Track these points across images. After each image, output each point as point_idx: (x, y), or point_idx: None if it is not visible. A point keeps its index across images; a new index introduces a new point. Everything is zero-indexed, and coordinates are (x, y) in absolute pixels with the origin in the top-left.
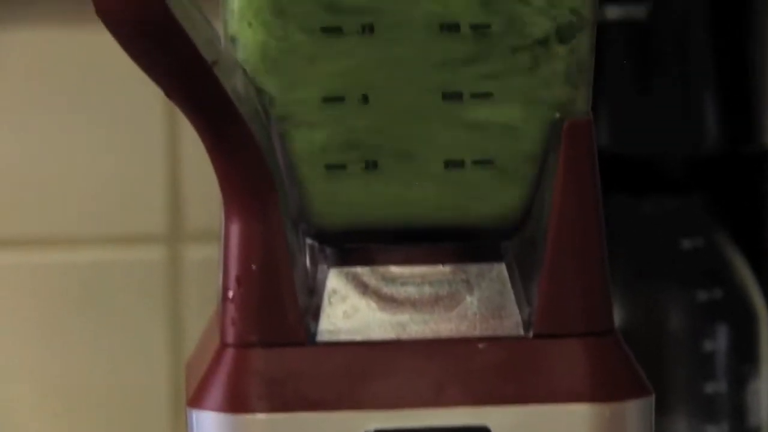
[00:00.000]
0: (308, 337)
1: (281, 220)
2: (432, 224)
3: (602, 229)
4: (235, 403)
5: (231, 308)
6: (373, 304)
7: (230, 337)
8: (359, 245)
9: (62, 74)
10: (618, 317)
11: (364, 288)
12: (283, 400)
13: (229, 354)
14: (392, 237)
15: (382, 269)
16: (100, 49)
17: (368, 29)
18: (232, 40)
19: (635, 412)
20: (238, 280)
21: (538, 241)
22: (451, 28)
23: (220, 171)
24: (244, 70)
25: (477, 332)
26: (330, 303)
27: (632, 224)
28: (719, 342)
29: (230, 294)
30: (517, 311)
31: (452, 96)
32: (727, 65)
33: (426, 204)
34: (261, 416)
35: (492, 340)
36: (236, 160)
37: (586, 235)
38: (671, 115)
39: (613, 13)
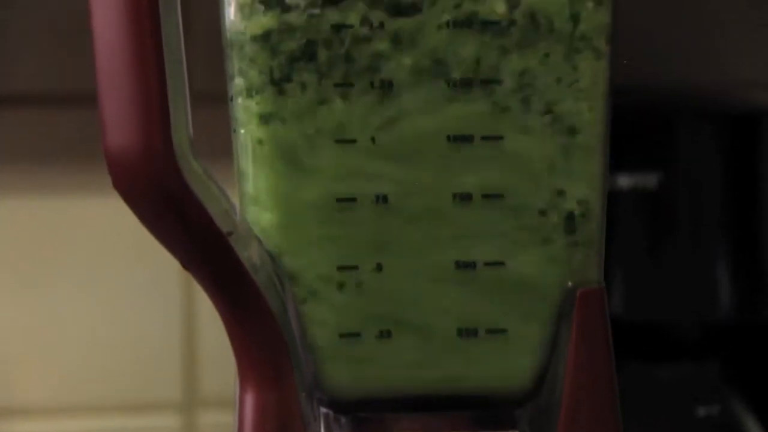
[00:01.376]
0: None
1: (295, 389)
2: (446, 393)
3: (616, 398)
4: None
5: None
6: None
7: None
8: (374, 414)
9: (80, 243)
10: None
11: None
12: None
13: None
14: (406, 406)
15: None
16: (117, 218)
17: (382, 199)
18: (249, 210)
19: None
20: None
21: (552, 409)
22: (463, 197)
23: (235, 340)
24: (259, 240)
25: None
26: None
27: (647, 391)
28: None
29: None
30: None
31: (466, 265)
32: (739, 234)
33: (439, 373)
34: None
35: None
36: (251, 329)
37: (600, 404)
38: (684, 283)
39: (624, 182)
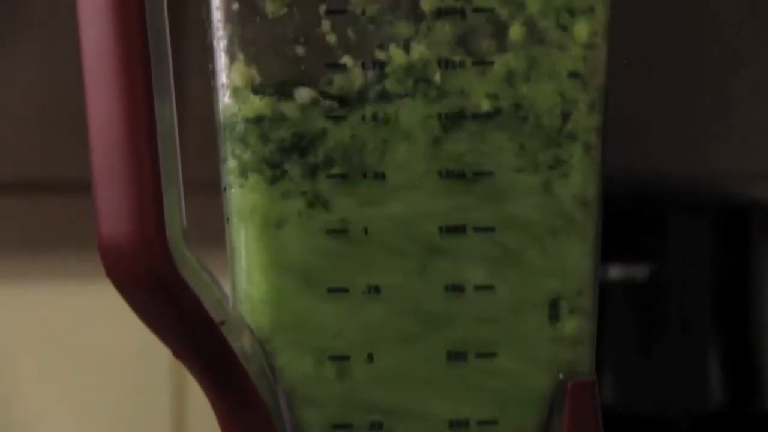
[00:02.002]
0: None
1: None
2: None
3: None
4: None
5: None
6: None
7: None
8: None
9: (72, 330)
10: None
11: None
12: None
13: None
14: None
15: None
16: (110, 307)
17: (374, 290)
18: (241, 299)
19: None
20: None
21: None
22: (456, 288)
23: (226, 429)
24: (251, 330)
25: None
26: None
27: None
28: None
29: None
30: None
31: (457, 356)
32: (730, 327)
33: None
34: None
35: None
36: (242, 419)
37: None
38: (675, 376)
39: (615, 273)
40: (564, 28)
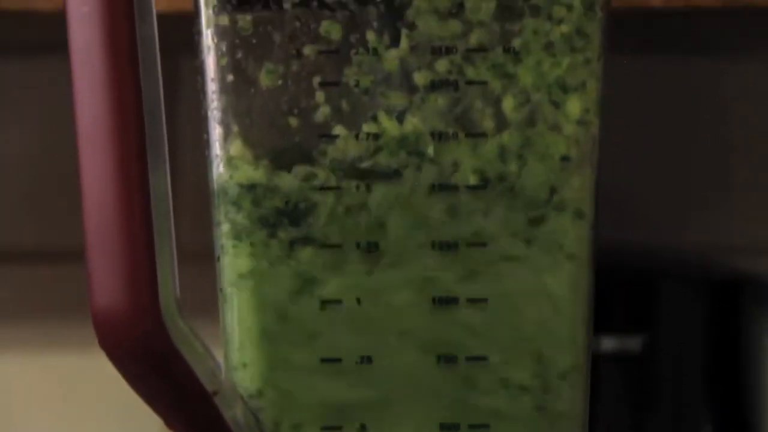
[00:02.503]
0: None
1: None
2: None
3: None
4: None
5: None
6: None
7: None
8: None
9: (63, 398)
10: None
11: None
12: None
13: None
14: None
15: None
16: (100, 375)
17: (366, 360)
18: (234, 369)
19: None
20: None
21: None
22: (449, 360)
23: None
24: (244, 400)
25: None
26: None
27: None
28: None
29: None
30: None
31: (450, 427)
32: (722, 399)
33: None
34: None
35: None
36: None
37: None
38: None
39: (608, 344)
40: (557, 105)
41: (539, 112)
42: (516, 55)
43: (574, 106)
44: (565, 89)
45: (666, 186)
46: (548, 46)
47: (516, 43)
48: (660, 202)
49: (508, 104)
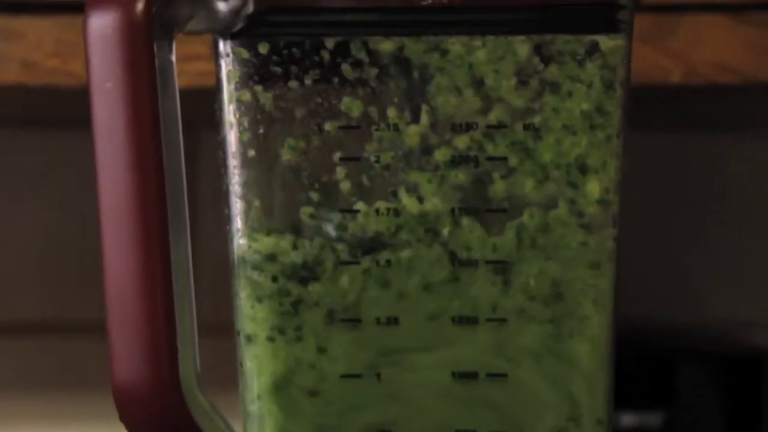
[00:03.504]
0: None
1: None
2: None
3: None
4: None
5: None
6: None
7: None
8: None
9: None
10: None
11: None
12: None
13: None
14: None
15: None
16: None
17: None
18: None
19: None
20: None
21: None
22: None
23: None
24: None
25: None
26: None
27: None
28: None
29: None
30: None
31: None
32: None
33: None
34: None
35: None
36: None
37: None
38: None
39: (628, 420)
40: (575, 186)
41: (558, 191)
42: (536, 132)
43: (593, 187)
44: (584, 170)
45: (685, 262)
46: (568, 124)
47: (536, 120)
48: (679, 279)
49: (527, 182)
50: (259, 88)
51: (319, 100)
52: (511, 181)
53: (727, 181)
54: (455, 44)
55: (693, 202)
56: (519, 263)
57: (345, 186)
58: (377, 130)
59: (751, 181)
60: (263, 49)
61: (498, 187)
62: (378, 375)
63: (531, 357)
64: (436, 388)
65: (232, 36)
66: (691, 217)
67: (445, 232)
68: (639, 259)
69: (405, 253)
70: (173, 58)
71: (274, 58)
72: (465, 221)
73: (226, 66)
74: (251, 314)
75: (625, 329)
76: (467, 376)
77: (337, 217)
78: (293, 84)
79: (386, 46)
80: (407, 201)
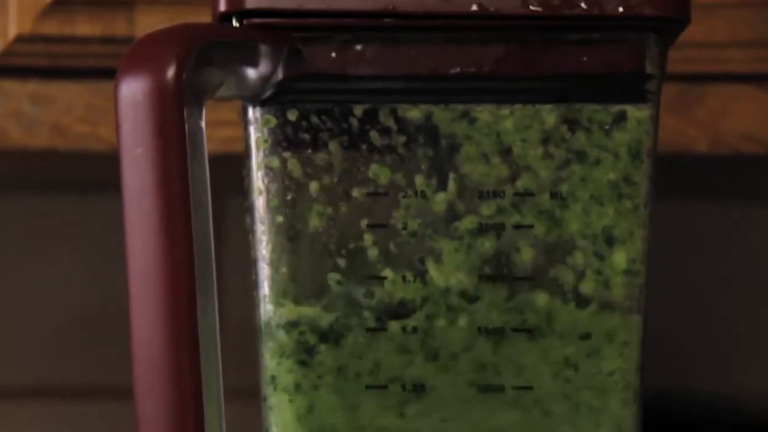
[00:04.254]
0: None
1: None
2: None
3: None
4: None
5: None
6: None
7: None
8: None
9: None
10: None
11: None
12: None
13: None
14: None
15: None
16: None
17: None
18: None
19: None
20: None
21: None
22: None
23: None
24: None
25: None
26: None
27: None
28: None
29: None
30: None
31: None
32: None
33: None
34: None
35: None
36: None
37: None
38: None
39: None
40: (602, 257)
41: (585, 262)
42: (563, 201)
43: (620, 257)
44: (611, 241)
45: (709, 330)
46: (595, 194)
47: (563, 188)
48: (701, 348)
49: (554, 250)
50: (287, 154)
51: (347, 166)
52: (537, 250)
53: (750, 249)
54: (483, 112)
55: (716, 271)
56: (545, 331)
57: (372, 253)
58: (405, 197)
59: None
60: (292, 115)
61: (524, 256)
62: None
63: (556, 425)
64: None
65: (261, 102)
66: (716, 285)
67: (471, 299)
68: (663, 326)
69: (431, 321)
70: (203, 124)
71: (303, 124)
72: (491, 289)
73: (254, 132)
74: (277, 379)
75: (648, 396)
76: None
77: (364, 283)
78: (321, 150)
79: (414, 113)
80: (433, 268)
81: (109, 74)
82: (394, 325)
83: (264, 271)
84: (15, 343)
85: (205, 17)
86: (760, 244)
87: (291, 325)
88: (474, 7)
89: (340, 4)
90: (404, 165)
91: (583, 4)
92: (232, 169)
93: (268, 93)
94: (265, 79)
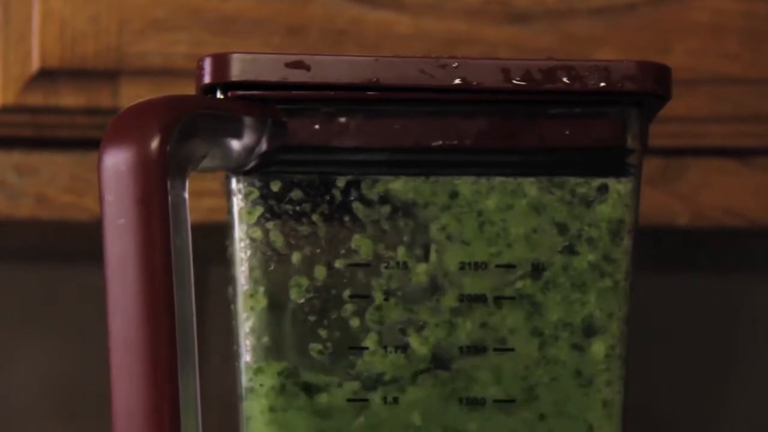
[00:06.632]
0: None
1: None
2: None
3: None
4: None
5: None
6: None
7: None
8: None
9: None
10: None
11: None
12: None
13: None
14: None
15: None
16: None
17: None
18: None
19: None
20: None
21: None
22: None
23: None
24: None
25: None
26: None
27: None
28: None
29: None
30: None
31: None
32: None
33: None
34: None
35: None
36: None
37: None
38: None
39: None
40: (580, 349)
41: (561, 357)
42: (545, 285)
43: (598, 347)
44: (590, 332)
45: (694, 402)
46: (576, 279)
47: (545, 273)
48: (688, 417)
49: (536, 322)
50: (270, 224)
51: (329, 237)
52: (519, 321)
53: (734, 322)
54: (465, 185)
55: (701, 343)
56: (525, 404)
57: (354, 323)
58: (386, 267)
59: (757, 323)
60: (275, 186)
61: (507, 327)
62: None
63: None
64: None
65: (244, 173)
66: (699, 359)
67: (453, 370)
68: (648, 399)
69: (412, 391)
70: (186, 195)
71: (286, 195)
72: (472, 360)
73: (237, 203)
74: None
75: None
76: None
77: (345, 353)
78: (304, 221)
79: (396, 185)
80: (415, 339)
81: (93, 145)
82: (375, 395)
83: (245, 341)
84: None
85: (189, 89)
86: (743, 316)
87: (272, 394)
88: (457, 81)
89: (323, 77)
90: (386, 236)
91: (565, 79)
92: (214, 238)
93: (252, 164)
94: (249, 151)
